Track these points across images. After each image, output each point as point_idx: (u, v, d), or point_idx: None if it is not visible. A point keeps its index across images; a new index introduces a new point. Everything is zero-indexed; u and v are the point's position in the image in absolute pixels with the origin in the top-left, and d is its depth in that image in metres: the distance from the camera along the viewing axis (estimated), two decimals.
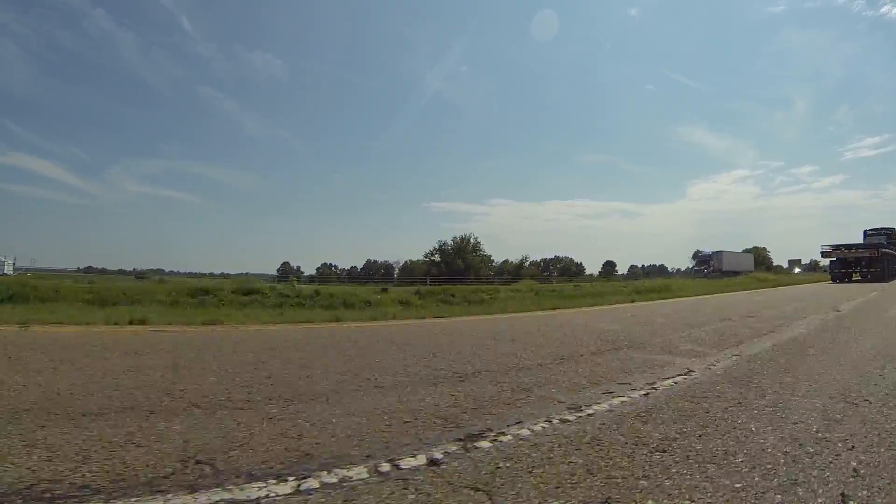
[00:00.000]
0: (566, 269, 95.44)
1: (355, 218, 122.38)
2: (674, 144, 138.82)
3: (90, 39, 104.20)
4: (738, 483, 1.79)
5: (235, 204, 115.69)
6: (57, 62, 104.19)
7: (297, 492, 1.72)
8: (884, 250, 31.00)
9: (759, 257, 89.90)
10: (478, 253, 62.57)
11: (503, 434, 2.33)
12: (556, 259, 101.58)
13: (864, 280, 28.71)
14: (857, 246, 31.89)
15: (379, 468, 1.91)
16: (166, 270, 75.90)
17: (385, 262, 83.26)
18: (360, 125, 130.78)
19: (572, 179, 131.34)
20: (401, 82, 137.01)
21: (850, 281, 29.03)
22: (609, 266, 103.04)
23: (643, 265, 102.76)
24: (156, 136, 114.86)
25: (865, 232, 35.18)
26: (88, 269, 68.14)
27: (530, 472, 1.88)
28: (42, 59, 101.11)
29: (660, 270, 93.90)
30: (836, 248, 31.39)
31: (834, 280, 29.69)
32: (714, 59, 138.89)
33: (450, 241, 60.06)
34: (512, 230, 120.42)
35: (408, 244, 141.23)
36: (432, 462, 1.97)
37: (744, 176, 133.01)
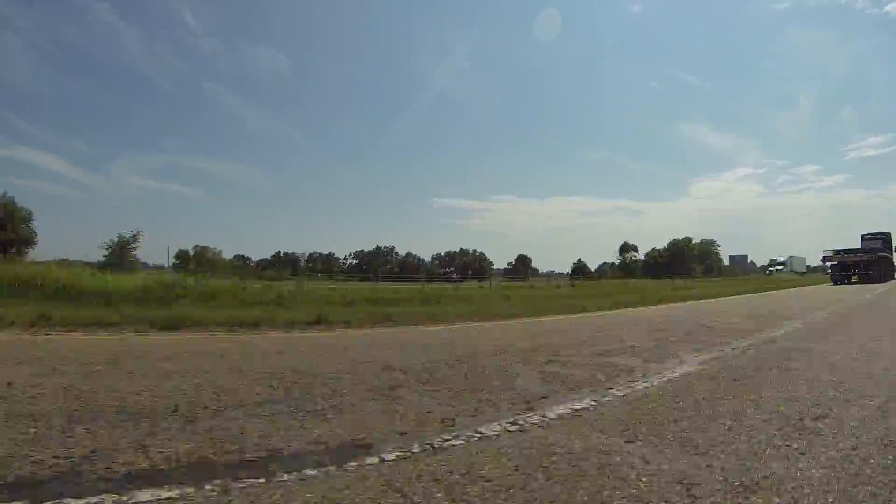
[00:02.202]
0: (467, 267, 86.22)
1: (358, 214, 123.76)
2: (677, 142, 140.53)
3: (93, 34, 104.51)
4: None
5: (238, 198, 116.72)
6: (60, 56, 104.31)
7: None
8: (880, 254, 33.62)
9: (694, 253, 69.29)
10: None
11: None
12: (462, 253, 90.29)
13: (863, 282, 31.06)
14: (855, 251, 34.25)
15: None
16: (150, 264, 77.24)
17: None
18: (363, 121, 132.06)
19: (575, 176, 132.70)
20: (404, 79, 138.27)
21: (850, 283, 31.43)
22: (522, 262, 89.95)
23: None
24: (158, 130, 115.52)
25: (863, 236, 37.51)
26: (62, 262, 68.67)
27: None
28: (45, 54, 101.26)
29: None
30: (837, 252, 33.96)
31: (835, 282, 32.06)
32: (718, 56, 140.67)
33: None
34: (515, 227, 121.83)
35: (411, 240, 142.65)
36: None
37: (747, 174, 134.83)
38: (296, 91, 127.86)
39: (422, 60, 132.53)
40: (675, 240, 73.39)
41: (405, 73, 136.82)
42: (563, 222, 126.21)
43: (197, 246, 63.12)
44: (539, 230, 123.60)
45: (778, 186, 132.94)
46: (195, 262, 50.07)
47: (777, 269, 70.11)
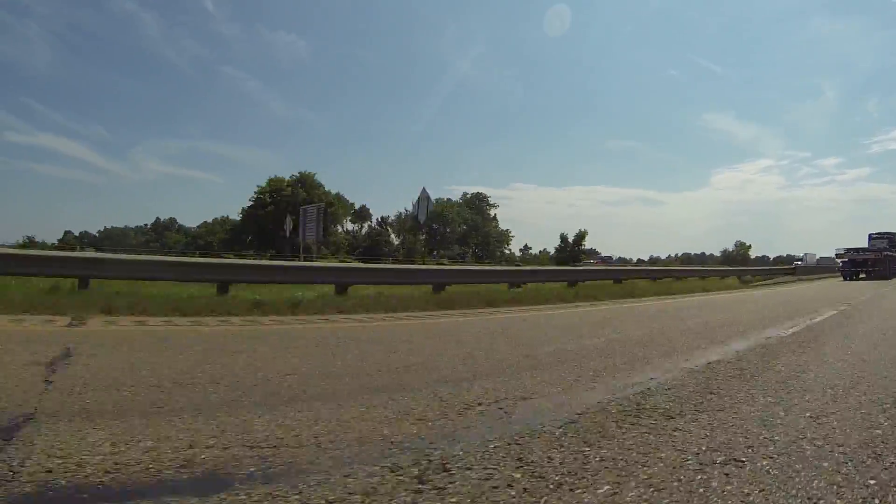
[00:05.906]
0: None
1: (375, 199, 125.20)
2: (698, 131, 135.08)
3: (113, 19, 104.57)
4: None
5: (257, 183, 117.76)
6: (79, 43, 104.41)
7: None
8: (885, 253, 37.72)
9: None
10: None
11: None
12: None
13: (869, 278, 35.05)
14: (863, 249, 38.30)
15: None
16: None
17: None
18: (381, 107, 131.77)
19: (594, 165, 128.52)
20: (424, 66, 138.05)
21: (858, 279, 35.50)
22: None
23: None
24: (178, 116, 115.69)
25: (870, 235, 41.13)
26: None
27: None
28: (65, 40, 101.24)
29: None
30: (848, 250, 38.18)
31: (845, 278, 35.94)
32: (741, 45, 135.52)
33: None
34: (534, 215, 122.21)
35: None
36: None
37: (769, 166, 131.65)
38: (315, 77, 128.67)
39: (442, 48, 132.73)
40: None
41: (424, 61, 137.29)
42: (583, 211, 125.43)
43: None
44: (558, 219, 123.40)
45: (800, 179, 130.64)
46: None
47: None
